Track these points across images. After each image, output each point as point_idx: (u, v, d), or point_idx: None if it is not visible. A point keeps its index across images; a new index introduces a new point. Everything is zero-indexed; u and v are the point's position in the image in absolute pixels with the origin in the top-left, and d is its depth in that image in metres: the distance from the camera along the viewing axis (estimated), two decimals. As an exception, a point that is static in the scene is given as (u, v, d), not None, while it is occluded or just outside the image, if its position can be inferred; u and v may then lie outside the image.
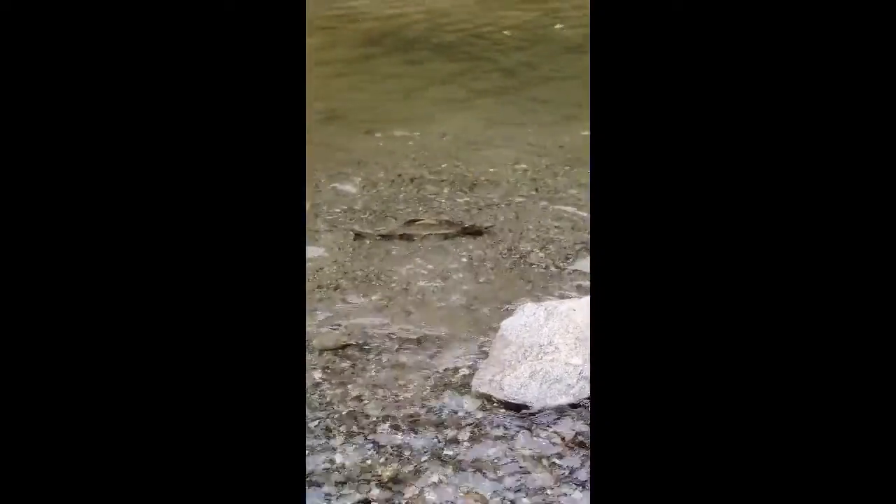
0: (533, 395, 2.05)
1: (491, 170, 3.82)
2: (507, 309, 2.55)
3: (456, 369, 2.26)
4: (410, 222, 3.26)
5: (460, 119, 4.63)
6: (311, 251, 2.98)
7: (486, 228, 3.19)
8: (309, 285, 2.70)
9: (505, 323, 2.33)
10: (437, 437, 1.97)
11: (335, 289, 2.77)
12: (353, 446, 1.93)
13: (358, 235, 3.15)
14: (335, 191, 3.65)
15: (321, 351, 2.33)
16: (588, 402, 2.00)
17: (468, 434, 1.97)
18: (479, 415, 2.04)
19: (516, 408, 2.04)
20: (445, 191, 3.62)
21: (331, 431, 1.99)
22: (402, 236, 3.12)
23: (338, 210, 3.44)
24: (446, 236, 3.14)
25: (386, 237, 3.14)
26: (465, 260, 2.97)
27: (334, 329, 2.50)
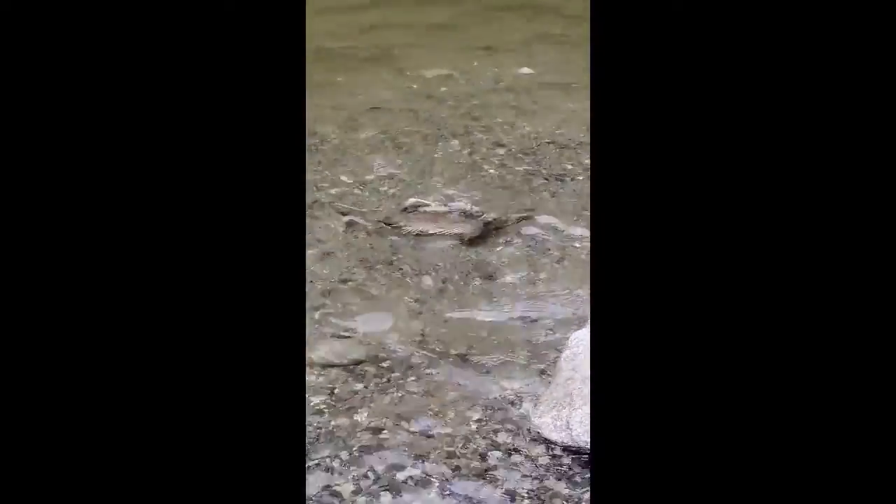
0: (614, 437, 1.85)
1: (558, 131, 3.65)
2: (576, 314, 2.39)
3: (501, 404, 2.06)
4: (406, 210, 2.92)
5: (520, 59, 4.43)
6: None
7: (524, 218, 2.91)
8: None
9: (576, 335, 2.15)
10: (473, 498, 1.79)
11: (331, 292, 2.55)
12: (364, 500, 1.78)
13: (350, 225, 2.87)
14: (337, 149, 3.40)
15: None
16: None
17: (524, 495, 1.80)
18: (539, 464, 1.87)
19: (588, 458, 1.84)
20: (500, 153, 3.43)
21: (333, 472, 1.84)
22: (392, 226, 2.85)
23: (340, 181, 3.17)
24: (462, 240, 2.82)
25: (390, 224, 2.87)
26: (516, 252, 2.77)
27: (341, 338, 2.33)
